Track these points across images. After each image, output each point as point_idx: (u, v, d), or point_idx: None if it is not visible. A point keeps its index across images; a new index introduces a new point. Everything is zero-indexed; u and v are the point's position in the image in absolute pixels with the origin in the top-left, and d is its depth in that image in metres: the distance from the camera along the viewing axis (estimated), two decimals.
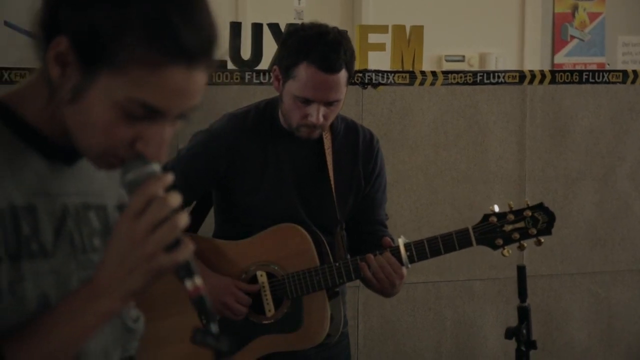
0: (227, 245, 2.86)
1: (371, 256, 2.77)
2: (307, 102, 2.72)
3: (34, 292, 1.38)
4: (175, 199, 1.36)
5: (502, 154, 3.94)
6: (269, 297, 2.83)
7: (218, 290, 2.78)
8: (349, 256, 2.89)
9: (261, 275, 2.84)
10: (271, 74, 2.88)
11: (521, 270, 2.32)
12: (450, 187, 3.89)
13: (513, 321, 2.38)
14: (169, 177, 1.37)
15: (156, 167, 1.38)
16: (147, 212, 1.33)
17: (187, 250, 1.35)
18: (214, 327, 1.34)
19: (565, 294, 4.06)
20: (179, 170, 2.81)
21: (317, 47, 2.69)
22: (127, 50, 1.31)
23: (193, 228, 2.98)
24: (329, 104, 2.72)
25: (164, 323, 2.85)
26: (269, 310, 2.83)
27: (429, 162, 3.86)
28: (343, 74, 2.72)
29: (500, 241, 2.78)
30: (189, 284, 1.35)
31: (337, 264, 2.81)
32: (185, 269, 1.35)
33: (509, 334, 2.34)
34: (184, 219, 1.35)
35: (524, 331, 2.34)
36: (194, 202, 3.01)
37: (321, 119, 2.73)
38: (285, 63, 2.76)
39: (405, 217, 3.81)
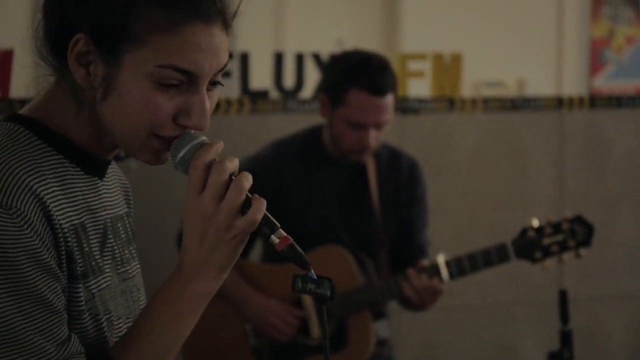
0: (273, 268, 2.92)
1: (413, 273, 2.80)
2: (359, 126, 2.78)
3: (102, 308, 1.39)
4: (233, 161, 1.34)
5: (541, 179, 3.97)
6: (315, 318, 2.89)
7: (265, 311, 2.84)
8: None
9: (306, 297, 2.89)
10: (318, 102, 2.94)
11: (563, 295, 2.34)
12: (489, 212, 3.92)
13: (554, 345, 2.40)
14: (220, 144, 1.35)
15: (204, 138, 1.36)
16: (208, 182, 1.31)
17: (261, 206, 1.32)
18: (313, 273, 1.33)
19: (605, 317, 4.06)
20: None
21: (365, 72, 2.76)
22: (142, 20, 1.32)
23: (243, 253, 3.04)
24: (378, 126, 2.79)
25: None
26: (315, 332, 2.89)
27: (468, 187, 3.90)
28: (391, 96, 2.79)
29: (539, 254, 2.78)
30: (274, 238, 1.32)
31: (379, 284, 2.86)
32: (267, 225, 1.33)
33: (551, 357, 2.36)
34: (248, 177, 1.33)
35: (567, 355, 2.35)
36: None
37: (375, 141, 2.80)
38: (333, 90, 2.82)
39: (445, 242, 3.84)
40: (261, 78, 3.82)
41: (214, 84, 1.39)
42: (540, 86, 6.26)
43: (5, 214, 1.27)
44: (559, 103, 3.95)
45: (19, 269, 1.27)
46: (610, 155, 4.03)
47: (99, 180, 1.44)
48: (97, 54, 1.33)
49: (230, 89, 3.77)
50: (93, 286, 1.38)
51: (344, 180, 2.94)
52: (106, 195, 1.46)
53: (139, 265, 1.53)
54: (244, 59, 3.61)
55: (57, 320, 1.30)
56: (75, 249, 1.35)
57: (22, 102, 3.32)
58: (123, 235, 1.49)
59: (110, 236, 1.44)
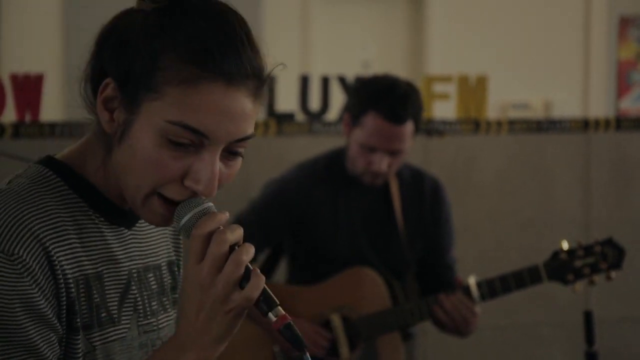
0: (301, 290, 2.94)
1: (443, 296, 2.82)
2: (371, 150, 2.80)
3: None
4: (235, 231, 1.29)
5: (567, 200, 3.97)
6: (344, 339, 2.89)
7: None
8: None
9: (335, 319, 2.90)
10: (342, 119, 2.97)
11: (589, 316, 2.33)
12: (516, 234, 3.92)
13: None
14: (226, 215, 1.31)
15: (210, 204, 1.32)
16: (208, 252, 1.27)
17: (259, 282, 1.28)
18: (308, 357, 1.29)
19: (633, 338, 4.04)
20: (252, 220, 2.91)
21: (386, 98, 2.77)
22: (162, 71, 1.28)
23: (266, 275, 3.07)
24: (392, 153, 2.81)
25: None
26: (344, 353, 2.89)
27: (494, 208, 3.90)
28: (409, 126, 2.79)
29: (571, 276, 2.80)
30: (271, 316, 1.28)
31: (409, 305, 2.87)
32: (265, 301, 1.28)
33: None
34: (249, 251, 1.29)
35: None
36: (269, 250, 3.10)
37: (384, 167, 2.81)
38: (354, 111, 2.85)
39: (472, 263, 3.84)
40: (287, 100, 3.85)
41: (234, 153, 1.33)
42: (567, 108, 6.25)
43: (5, 260, 1.26)
44: (585, 125, 3.95)
45: (13, 317, 1.26)
46: (637, 177, 4.02)
47: (127, 230, 1.42)
48: (121, 100, 1.31)
49: None
50: (96, 338, 1.35)
51: (368, 202, 2.96)
52: (135, 245, 1.43)
53: (171, 317, 1.50)
54: (270, 81, 3.63)
55: None
56: (81, 300, 1.33)
57: (52, 125, 3.36)
58: (154, 286, 1.46)
59: (133, 287, 1.41)
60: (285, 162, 3.22)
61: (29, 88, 3.25)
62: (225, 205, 1.36)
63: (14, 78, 3.25)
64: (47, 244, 1.28)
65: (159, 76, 1.28)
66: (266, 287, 1.29)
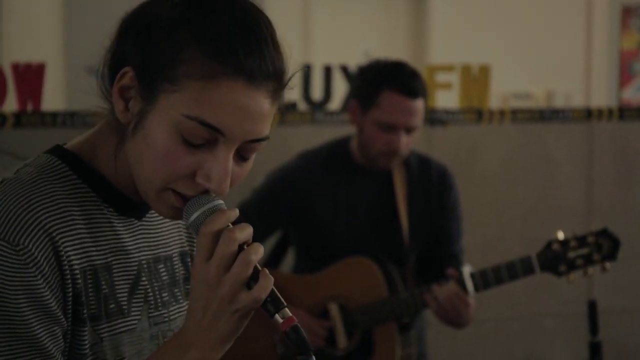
0: (300, 278, 2.94)
1: (436, 286, 2.81)
2: (389, 128, 2.80)
3: (111, 353, 1.34)
4: (245, 230, 1.27)
5: (569, 190, 3.96)
6: (341, 328, 2.89)
7: None
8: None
9: (333, 308, 2.91)
10: (348, 109, 2.96)
11: (592, 306, 2.32)
12: (518, 223, 3.91)
13: (584, 357, 2.39)
14: (235, 212, 1.29)
15: (220, 202, 1.30)
16: (216, 251, 1.25)
17: (267, 284, 1.25)
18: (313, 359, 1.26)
19: (635, 329, 4.04)
20: (255, 209, 2.92)
21: (398, 74, 2.80)
22: (184, 64, 1.25)
23: (274, 264, 3.08)
24: (408, 130, 2.80)
25: None
26: (341, 342, 2.90)
27: (497, 198, 3.90)
28: (421, 101, 2.82)
29: (564, 268, 2.77)
30: (278, 318, 1.27)
31: (404, 295, 2.86)
32: (272, 302, 1.26)
33: None
34: (258, 250, 1.26)
35: None
36: (274, 239, 3.10)
37: (404, 145, 2.81)
38: (365, 93, 2.84)
39: (474, 253, 3.83)
40: (289, 90, 3.83)
41: (244, 159, 1.31)
42: (569, 98, 6.25)
43: (11, 250, 1.24)
44: (588, 114, 3.94)
45: (17, 309, 1.24)
46: (639, 167, 4.01)
47: (136, 221, 1.40)
48: (138, 90, 1.28)
49: None
50: (104, 330, 1.33)
51: (371, 189, 2.95)
52: (145, 235, 1.41)
53: (183, 308, 1.46)
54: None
55: None
56: (89, 291, 1.31)
57: (53, 115, 3.35)
58: (165, 277, 1.44)
59: (144, 278, 1.40)
60: (288, 151, 3.21)
61: (30, 77, 3.25)
62: (228, 194, 1.35)
63: (16, 67, 3.24)
64: (54, 235, 1.26)
65: (180, 69, 1.25)
66: (274, 288, 1.27)
